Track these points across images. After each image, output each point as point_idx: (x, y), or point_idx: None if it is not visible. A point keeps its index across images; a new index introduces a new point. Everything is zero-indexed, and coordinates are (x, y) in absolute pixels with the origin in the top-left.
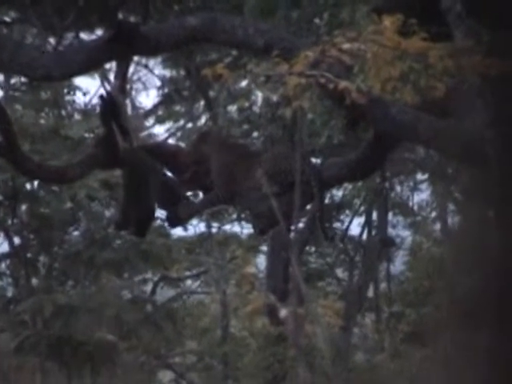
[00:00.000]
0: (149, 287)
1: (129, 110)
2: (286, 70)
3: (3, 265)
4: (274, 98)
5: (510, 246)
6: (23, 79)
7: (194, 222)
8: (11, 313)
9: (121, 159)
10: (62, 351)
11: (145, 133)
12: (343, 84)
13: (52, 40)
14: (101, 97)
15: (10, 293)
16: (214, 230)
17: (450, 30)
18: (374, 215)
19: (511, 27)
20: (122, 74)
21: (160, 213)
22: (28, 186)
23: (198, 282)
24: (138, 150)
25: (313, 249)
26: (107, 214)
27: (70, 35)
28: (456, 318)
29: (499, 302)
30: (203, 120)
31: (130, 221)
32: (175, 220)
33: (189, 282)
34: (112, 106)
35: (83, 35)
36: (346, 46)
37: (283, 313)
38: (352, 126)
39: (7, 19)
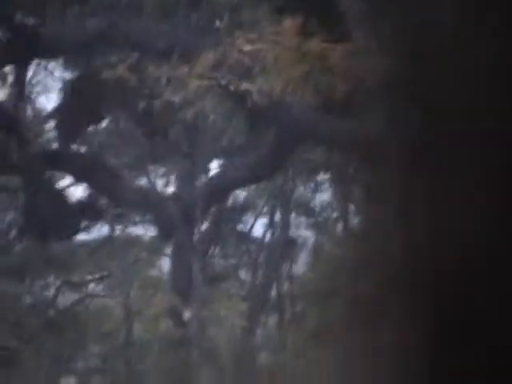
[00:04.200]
0: (51, 292)
1: (29, 113)
2: (186, 72)
3: None
4: (176, 99)
5: (410, 246)
6: None
7: (98, 225)
8: None
9: (15, 166)
10: None
11: (47, 136)
12: (245, 86)
13: None
14: None
15: None
16: (117, 233)
17: (349, 31)
18: (277, 216)
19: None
20: (20, 77)
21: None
22: None
23: (101, 286)
24: (35, 157)
25: (216, 250)
26: (8, 218)
27: None
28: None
29: (400, 301)
30: (105, 123)
31: (32, 226)
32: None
33: (92, 285)
34: (6, 115)
35: None
36: (247, 47)
37: (186, 315)
38: (253, 127)
39: None
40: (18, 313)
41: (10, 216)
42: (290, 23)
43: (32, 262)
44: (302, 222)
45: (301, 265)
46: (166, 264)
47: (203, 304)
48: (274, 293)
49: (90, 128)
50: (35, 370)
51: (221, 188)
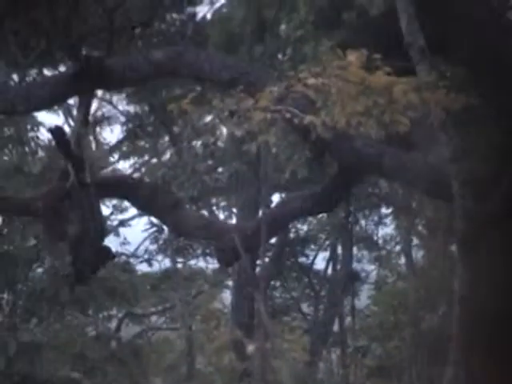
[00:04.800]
0: (114, 324)
1: (93, 145)
2: (251, 105)
3: None
4: (239, 133)
5: (474, 280)
6: None
7: (160, 257)
8: None
9: (67, 193)
10: None
11: (109, 168)
12: (308, 119)
13: (16, 76)
14: (50, 130)
15: None
16: (179, 266)
17: (414, 65)
18: (339, 249)
19: (473, 63)
20: (84, 109)
21: (125, 248)
22: None
23: (163, 318)
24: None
25: (278, 283)
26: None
27: (33, 71)
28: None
29: (464, 337)
30: (168, 155)
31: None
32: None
33: (154, 318)
34: (63, 139)
35: (47, 71)
36: (311, 80)
37: (249, 348)
38: (316, 160)
39: None
40: (82, 344)
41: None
42: (353, 57)
43: (95, 294)
44: (364, 255)
45: (363, 298)
46: (227, 297)
47: (266, 337)
48: (336, 326)
49: (154, 160)
50: None
51: (282, 220)
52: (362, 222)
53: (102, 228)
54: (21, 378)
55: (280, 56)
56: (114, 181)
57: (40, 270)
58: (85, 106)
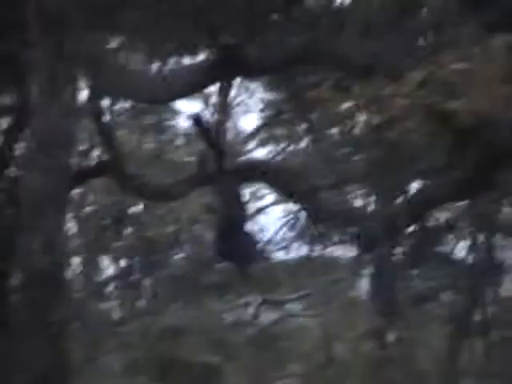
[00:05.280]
0: (251, 310)
1: (231, 132)
2: (391, 92)
3: (110, 287)
4: (377, 120)
5: None
6: (128, 104)
7: (296, 244)
8: (118, 335)
9: (207, 180)
10: (169, 373)
11: (246, 156)
12: (451, 104)
13: (155, 65)
14: (190, 117)
15: (116, 315)
16: (316, 253)
17: None
18: (481, 237)
19: None
20: (223, 96)
21: (262, 236)
22: (133, 209)
23: (300, 306)
24: (228, 173)
25: (417, 272)
26: (209, 236)
27: (173, 59)
28: None
29: None
30: (304, 143)
31: (231, 249)
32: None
33: (291, 305)
34: (203, 126)
35: (186, 59)
36: (454, 65)
37: (390, 337)
38: (458, 147)
39: (112, 45)
40: (221, 330)
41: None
42: (499, 40)
43: (233, 281)
44: (508, 243)
45: (506, 288)
46: (365, 285)
47: (406, 326)
48: (478, 316)
49: (290, 147)
50: None
51: (421, 208)
52: (505, 210)
53: (244, 214)
54: (163, 362)
55: (420, 41)
56: (254, 166)
57: (180, 255)
58: (224, 94)
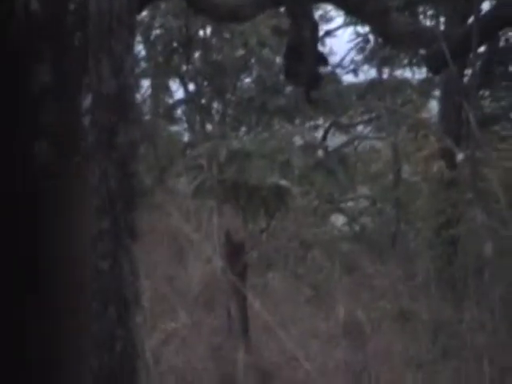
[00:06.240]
0: (320, 133)
1: None
2: None
3: (179, 111)
4: None
5: None
6: None
7: (366, 67)
8: (188, 157)
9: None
10: (238, 195)
11: None
12: None
13: None
14: None
15: (186, 138)
16: (385, 75)
17: None
18: None
19: None
20: None
21: (331, 59)
22: (201, 33)
23: (369, 128)
24: None
25: (487, 93)
26: (278, 60)
27: None
28: None
29: None
30: None
31: (298, 70)
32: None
33: (360, 127)
34: None
35: None
36: None
37: (460, 156)
38: None
39: None
40: (290, 153)
41: (280, 58)
42: None
43: (302, 104)
44: None
45: None
46: (435, 106)
47: (476, 146)
48: None
49: None
50: (306, 208)
51: (491, 27)
52: None
53: (316, 34)
54: (232, 185)
55: None
56: None
57: (248, 79)
58: None
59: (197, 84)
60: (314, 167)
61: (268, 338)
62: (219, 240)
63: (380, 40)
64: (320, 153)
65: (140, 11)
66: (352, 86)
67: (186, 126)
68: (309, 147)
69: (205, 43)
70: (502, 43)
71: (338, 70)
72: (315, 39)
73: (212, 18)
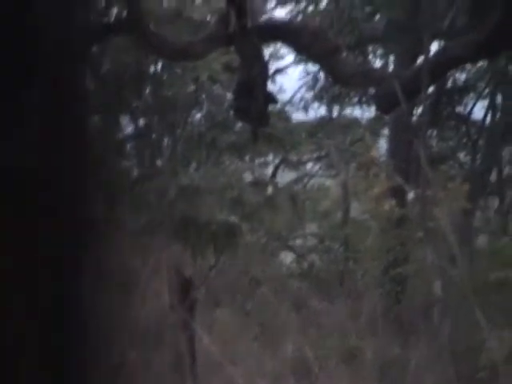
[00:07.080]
0: (270, 170)
1: None
2: None
3: (128, 146)
4: None
5: None
6: None
7: (315, 105)
8: (136, 193)
9: (228, 39)
10: (187, 231)
11: (266, 15)
12: None
13: None
14: None
15: (135, 173)
16: (335, 114)
17: None
18: (499, 98)
19: None
20: None
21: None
22: (152, 68)
23: (318, 166)
24: (250, 32)
25: (435, 132)
26: (229, 96)
27: None
28: None
29: None
30: (325, 3)
31: (247, 108)
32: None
33: (310, 165)
34: None
35: None
36: None
37: (410, 195)
38: (478, 7)
39: None
40: (239, 189)
41: (231, 94)
42: None
43: (252, 141)
44: None
45: None
46: (384, 145)
47: (425, 184)
48: (493, 176)
49: (311, 7)
50: (255, 245)
51: (440, 68)
52: None
53: (266, 73)
54: (181, 221)
55: None
56: (276, 25)
57: (198, 115)
58: None
59: (147, 119)
60: (264, 204)
61: (216, 374)
62: (168, 275)
63: (329, 79)
64: (270, 190)
65: (91, 46)
66: (302, 124)
67: (135, 161)
68: (259, 184)
69: (156, 78)
70: (449, 84)
71: (288, 108)
72: (265, 78)
73: (163, 56)
